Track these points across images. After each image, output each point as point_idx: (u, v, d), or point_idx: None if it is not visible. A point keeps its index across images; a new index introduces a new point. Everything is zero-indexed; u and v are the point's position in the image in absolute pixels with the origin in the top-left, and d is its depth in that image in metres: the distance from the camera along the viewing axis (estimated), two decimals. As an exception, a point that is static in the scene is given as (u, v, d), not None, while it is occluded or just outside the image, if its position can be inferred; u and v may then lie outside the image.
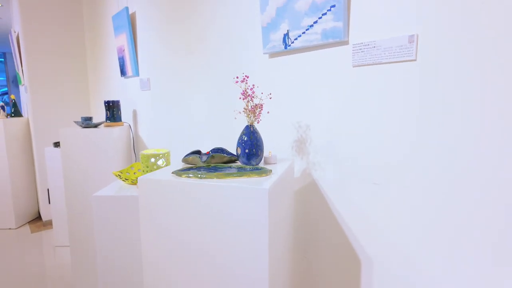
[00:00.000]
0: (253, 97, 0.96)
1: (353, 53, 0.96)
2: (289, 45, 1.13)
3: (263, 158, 1.04)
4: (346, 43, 0.98)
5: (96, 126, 2.30)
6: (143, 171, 1.55)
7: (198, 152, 1.12)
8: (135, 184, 1.71)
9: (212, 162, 0.99)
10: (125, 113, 2.72)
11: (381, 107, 0.92)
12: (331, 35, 0.99)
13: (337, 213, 1.06)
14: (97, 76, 3.39)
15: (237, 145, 0.98)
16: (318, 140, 1.11)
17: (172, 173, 0.88)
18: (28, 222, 3.68)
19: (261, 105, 0.98)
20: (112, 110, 2.40)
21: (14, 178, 3.46)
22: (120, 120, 2.45)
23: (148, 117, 2.37)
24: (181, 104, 1.91)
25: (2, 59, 9.43)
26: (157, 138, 2.29)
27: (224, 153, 1.08)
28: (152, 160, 1.53)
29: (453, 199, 0.79)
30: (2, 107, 3.43)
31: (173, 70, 1.94)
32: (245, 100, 0.98)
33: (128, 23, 2.30)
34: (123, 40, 2.44)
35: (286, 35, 1.14)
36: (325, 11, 0.99)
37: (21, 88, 3.95)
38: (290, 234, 1.07)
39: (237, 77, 1.15)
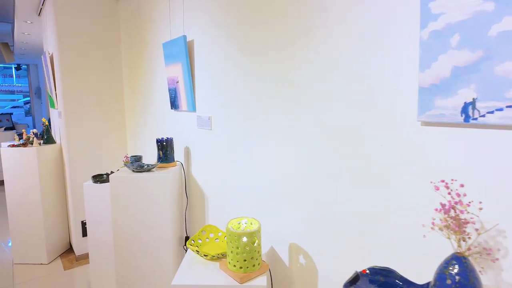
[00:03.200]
0: (462, 211, 0.65)
1: None
2: (475, 118, 0.82)
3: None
4: None
5: (149, 170, 2.02)
6: (231, 251, 1.24)
7: (356, 279, 0.81)
8: (215, 260, 1.42)
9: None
10: (176, 149, 2.43)
11: None
12: None
13: None
14: (135, 105, 3.13)
15: (440, 285, 0.66)
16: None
17: None
18: (60, 256, 3.45)
19: (468, 221, 0.67)
20: (166, 149, 2.12)
21: (46, 210, 3.22)
22: (173, 160, 2.17)
23: (205, 158, 2.08)
24: (257, 158, 1.60)
25: (25, 66, 9.71)
26: (215, 183, 1.99)
27: (397, 280, 0.77)
28: (245, 239, 1.22)
29: None
30: (36, 135, 3.22)
31: (247, 116, 1.64)
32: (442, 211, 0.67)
33: (186, 53, 2.03)
34: (177, 71, 2.17)
35: (471, 105, 0.82)
36: None
37: (54, 111, 3.74)
38: None
39: (441, 184, 0.76)
